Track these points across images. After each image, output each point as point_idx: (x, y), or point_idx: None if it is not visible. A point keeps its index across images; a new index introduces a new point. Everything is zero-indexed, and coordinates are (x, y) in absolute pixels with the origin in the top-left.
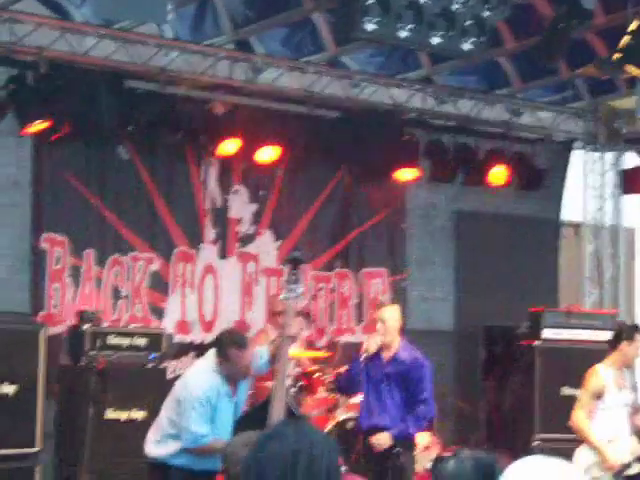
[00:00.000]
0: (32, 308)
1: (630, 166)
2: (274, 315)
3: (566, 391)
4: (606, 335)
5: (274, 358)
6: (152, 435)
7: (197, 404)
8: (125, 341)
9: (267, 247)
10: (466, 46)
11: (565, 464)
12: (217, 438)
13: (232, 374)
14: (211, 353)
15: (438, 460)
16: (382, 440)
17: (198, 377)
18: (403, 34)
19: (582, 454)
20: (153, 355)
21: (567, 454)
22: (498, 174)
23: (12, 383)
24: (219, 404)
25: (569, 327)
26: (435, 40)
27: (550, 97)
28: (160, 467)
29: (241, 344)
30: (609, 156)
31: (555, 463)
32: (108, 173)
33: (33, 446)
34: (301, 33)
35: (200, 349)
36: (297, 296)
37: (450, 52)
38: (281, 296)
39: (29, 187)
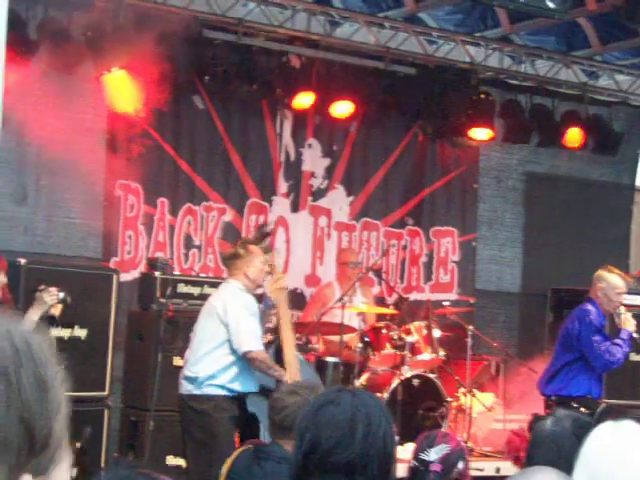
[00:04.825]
0: (104, 254)
1: None
2: (342, 267)
3: (633, 357)
4: None
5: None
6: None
7: (248, 312)
8: (195, 290)
9: (339, 202)
10: (550, 4)
11: None
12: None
13: (246, 276)
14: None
15: (536, 419)
16: None
17: (236, 295)
18: None
19: None
20: None
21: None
22: (573, 136)
23: (83, 327)
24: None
25: (639, 293)
26: None
27: (629, 60)
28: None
29: (265, 249)
30: None
31: None
32: (183, 122)
33: (103, 390)
34: None
35: None
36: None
37: (534, 10)
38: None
39: (104, 133)
